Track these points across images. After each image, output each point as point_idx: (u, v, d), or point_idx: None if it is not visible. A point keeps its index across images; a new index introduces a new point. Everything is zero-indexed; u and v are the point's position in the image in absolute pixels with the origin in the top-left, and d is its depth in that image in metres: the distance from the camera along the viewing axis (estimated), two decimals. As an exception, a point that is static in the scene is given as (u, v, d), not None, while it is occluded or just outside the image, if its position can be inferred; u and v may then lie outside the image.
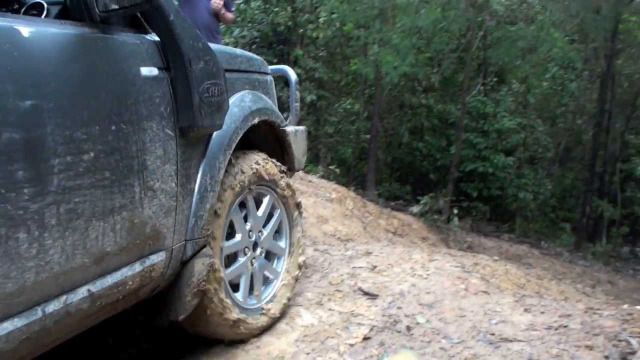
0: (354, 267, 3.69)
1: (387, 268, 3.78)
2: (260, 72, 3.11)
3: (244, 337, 2.77)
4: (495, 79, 12.19)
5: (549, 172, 13.86)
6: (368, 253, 4.11)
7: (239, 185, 2.66)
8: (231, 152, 2.59)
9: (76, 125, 1.77)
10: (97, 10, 1.96)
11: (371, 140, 11.97)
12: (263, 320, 2.84)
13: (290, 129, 3.31)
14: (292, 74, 3.62)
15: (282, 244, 3.13)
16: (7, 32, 1.61)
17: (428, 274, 3.87)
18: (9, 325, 1.61)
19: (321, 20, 11.49)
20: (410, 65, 9.26)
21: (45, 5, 2.09)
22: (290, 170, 3.31)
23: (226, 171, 2.58)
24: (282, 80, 4.11)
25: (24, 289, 1.64)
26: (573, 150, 14.00)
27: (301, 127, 3.52)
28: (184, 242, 2.34)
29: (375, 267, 3.75)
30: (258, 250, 2.91)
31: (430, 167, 13.34)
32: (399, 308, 3.03)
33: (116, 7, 1.97)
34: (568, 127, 14.22)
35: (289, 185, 3.09)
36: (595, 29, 9.89)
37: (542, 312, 3.17)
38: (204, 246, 2.44)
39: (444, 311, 3.04)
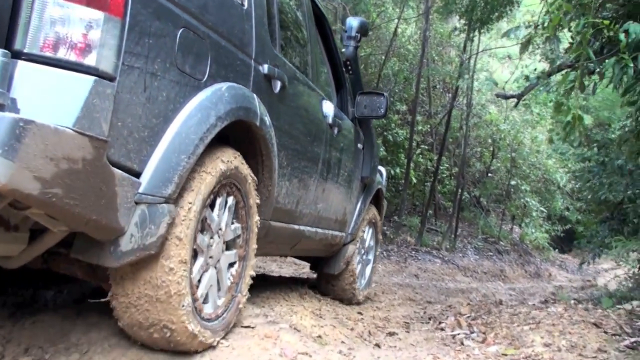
0: None
1: None
2: None
3: (353, 300, 5.13)
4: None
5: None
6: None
7: (368, 217, 5.27)
8: (372, 196, 5.29)
9: (348, 163, 4.57)
10: (355, 115, 4.76)
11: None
12: (361, 295, 5.30)
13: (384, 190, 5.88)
14: (383, 171, 6.02)
15: (371, 256, 5.69)
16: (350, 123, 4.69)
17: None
18: (317, 230, 4.11)
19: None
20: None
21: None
22: (382, 214, 5.89)
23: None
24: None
25: (322, 223, 4.18)
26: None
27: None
28: (348, 234, 4.86)
29: None
30: (364, 256, 5.47)
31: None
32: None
33: (367, 115, 4.76)
34: None
35: (381, 224, 5.91)
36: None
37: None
38: (353, 240, 4.94)
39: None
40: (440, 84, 14.71)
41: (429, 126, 14.63)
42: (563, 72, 7.65)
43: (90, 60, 1.75)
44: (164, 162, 2.06)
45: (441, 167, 14.26)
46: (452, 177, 15.30)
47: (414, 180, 13.68)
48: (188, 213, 2.25)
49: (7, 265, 2.26)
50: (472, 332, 4.18)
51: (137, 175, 2.00)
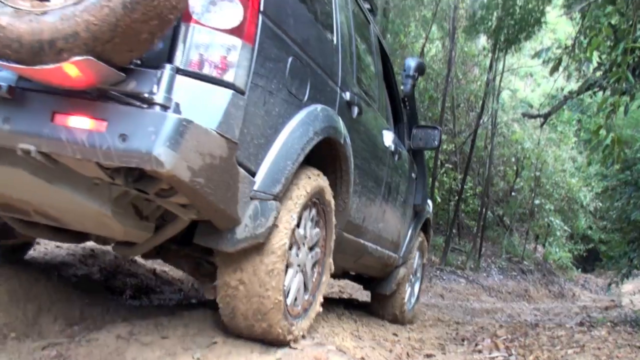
0: None
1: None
2: None
3: (401, 321, 5.31)
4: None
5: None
6: None
7: (419, 242, 5.60)
8: (422, 223, 5.62)
9: (404, 190, 4.95)
10: (411, 146, 5.20)
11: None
12: (409, 316, 5.51)
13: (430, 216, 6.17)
14: (430, 202, 6.27)
15: (418, 279, 5.90)
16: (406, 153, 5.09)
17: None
18: (377, 247, 4.36)
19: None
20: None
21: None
22: (428, 241, 6.22)
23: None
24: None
25: (381, 241, 4.43)
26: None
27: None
28: (400, 257, 5.13)
29: None
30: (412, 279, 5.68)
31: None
32: None
33: (422, 146, 5.25)
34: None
35: (427, 249, 6.16)
36: None
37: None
38: (404, 263, 5.20)
39: None
40: (465, 103, 14.70)
41: (453, 145, 14.62)
42: (590, 91, 7.70)
43: (229, 77, 2.18)
44: (274, 165, 2.47)
45: (465, 187, 14.22)
46: (476, 196, 15.24)
47: (438, 200, 13.64)
48: (300, 191, 2.72)
49: (127, 253, 2.76)
50: (510, 355, 4.17)
51: (253, 175, 2.40)
